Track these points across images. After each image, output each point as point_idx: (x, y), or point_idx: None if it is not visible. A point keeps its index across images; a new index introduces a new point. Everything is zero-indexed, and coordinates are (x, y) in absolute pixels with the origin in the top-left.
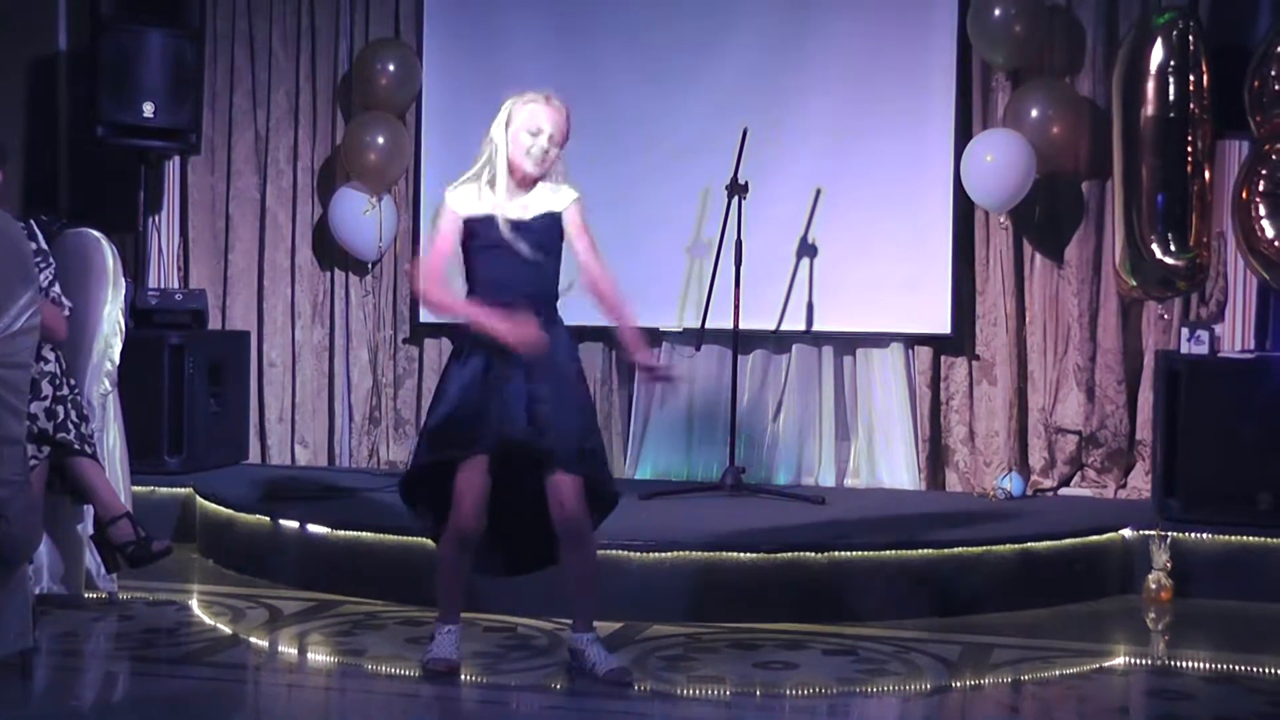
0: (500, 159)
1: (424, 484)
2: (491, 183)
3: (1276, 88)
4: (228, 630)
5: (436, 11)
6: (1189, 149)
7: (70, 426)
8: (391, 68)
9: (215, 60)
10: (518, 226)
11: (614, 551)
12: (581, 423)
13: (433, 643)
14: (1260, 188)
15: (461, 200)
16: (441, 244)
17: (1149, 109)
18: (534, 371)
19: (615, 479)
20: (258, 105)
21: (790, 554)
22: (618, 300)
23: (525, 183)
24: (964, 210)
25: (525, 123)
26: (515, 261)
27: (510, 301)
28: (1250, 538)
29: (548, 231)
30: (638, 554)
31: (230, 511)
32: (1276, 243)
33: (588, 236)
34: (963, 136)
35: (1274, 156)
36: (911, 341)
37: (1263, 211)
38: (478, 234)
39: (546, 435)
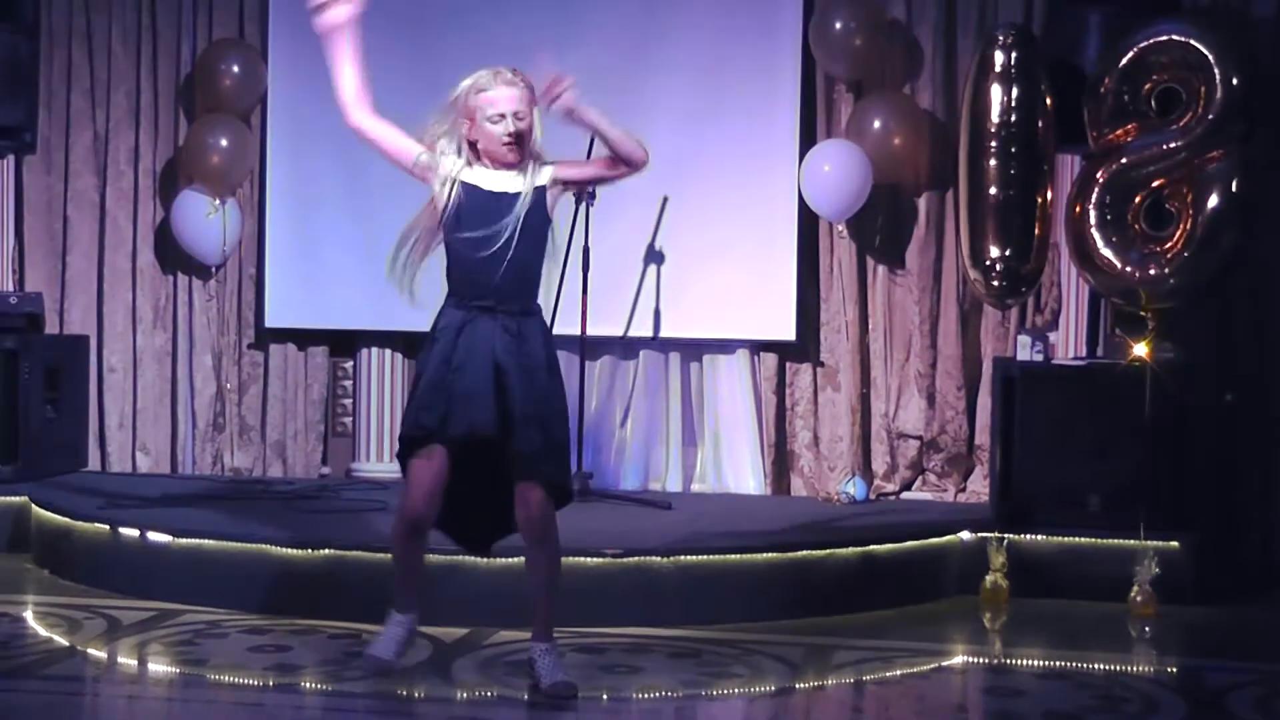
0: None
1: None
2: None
3: (1110, 105)
4: (64, 641)
5: (282, 12)
6: (1028, 160)
7: None
8: (235, 69)
9: (51, 57)
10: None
11: (460, 557)
12: (549, 420)
13: (379, 635)
14: (1093, 199)
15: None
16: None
17: (993, 118)
18: (503, 361)
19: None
20: (97, 105)
21: (636, 558)
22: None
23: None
24: (808, 219)
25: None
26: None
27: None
28: (1081, 539)
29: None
30: (484, 559)
31: (68, 520)
32: (1114, 257)
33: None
34: (806, 146)
35: (1114, 166)
36: (757, 348)
37: (1093, 220)
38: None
39: (514, 436)
